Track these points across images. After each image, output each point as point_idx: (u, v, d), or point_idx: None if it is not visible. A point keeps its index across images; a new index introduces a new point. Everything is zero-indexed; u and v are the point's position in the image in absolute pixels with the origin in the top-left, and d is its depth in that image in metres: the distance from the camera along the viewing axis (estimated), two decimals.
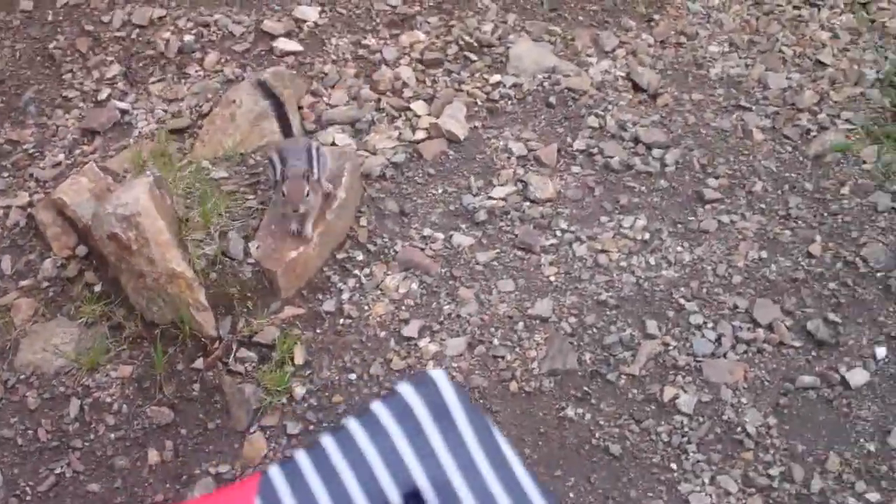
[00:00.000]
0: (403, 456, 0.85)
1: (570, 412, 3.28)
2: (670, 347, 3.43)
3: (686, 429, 3.25)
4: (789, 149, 4.09)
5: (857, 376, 3.35)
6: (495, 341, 3.44)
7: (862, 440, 3.22)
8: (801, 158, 4.05)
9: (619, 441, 3.23)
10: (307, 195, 3.31)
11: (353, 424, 0.88)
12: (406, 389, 0.89)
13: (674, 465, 3.18)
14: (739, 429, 3.24)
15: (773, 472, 3.15)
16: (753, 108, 4.25)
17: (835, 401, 3.30)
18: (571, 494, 3.13)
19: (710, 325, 3.49)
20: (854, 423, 3.26)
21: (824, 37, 4.59)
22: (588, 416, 3.28)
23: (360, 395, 3.32)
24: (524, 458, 3.15)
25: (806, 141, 4.11)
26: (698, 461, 3.18)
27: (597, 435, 3.24)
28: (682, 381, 3.35)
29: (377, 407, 0.89)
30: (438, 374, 0.90)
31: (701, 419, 3.27)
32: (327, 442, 0.87)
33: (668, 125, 4.15)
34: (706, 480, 3.13)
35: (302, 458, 0.87)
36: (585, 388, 3.34)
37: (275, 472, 0.86)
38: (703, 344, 3.43)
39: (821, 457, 3.19)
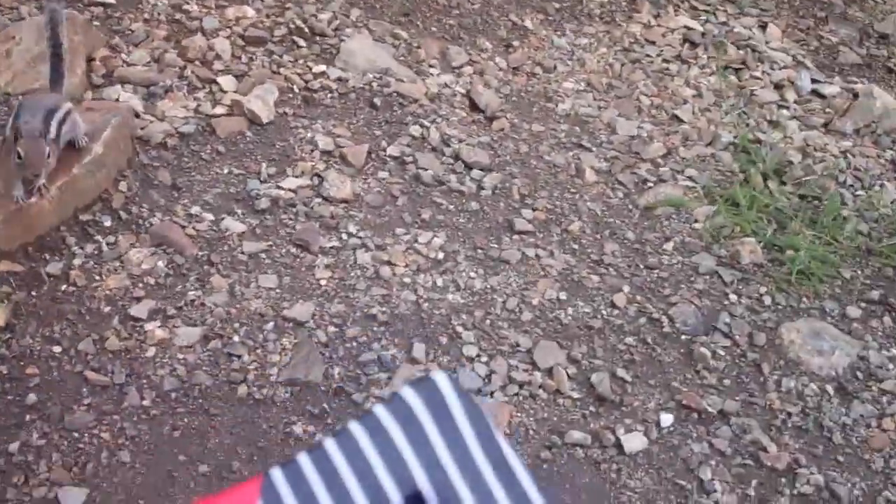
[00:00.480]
0: (405, 457, 0.85)
1: (298, 429, 2.82)
2: None
3: None
4: (620, 195, 3.74)
5: (635, 441, 2.95)
6: (235, 338, 2.98)
7: None
8: (629, 207, 3.70)
9: None
10: (48, 157, 2.87)
11: (354, 426, 0.88)
12: (408, 392, 0.89)
13: None
14: None
15: None
16: (594, 149, 3.91)
17: (604, 464, 2.89)
18: None
19: (484, 359, 3.07)
20: (620, 491, 2.84)
21: (687, 94, 4.30)
22: (320, 435, 2.82)
23: (59, 371, 2.82)
24: (232, 472, 2.67)
25: (640, 190, 3.77)
26: None
27: None
28: None
29: (379, 409, 0.89)
30: (440, 377, 0.89)
31: None
32: (329, 444, 0.87)
33: (497, 149, 3.78)
34: None
35: (304, 459, 0.87)
36: (325, 406, 2.88)
37: (277, 474, 0.86)
38: (470, 378, 3.00)
39: None
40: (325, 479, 0.86)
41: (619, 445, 2.93)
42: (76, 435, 2.71)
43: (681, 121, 4.16)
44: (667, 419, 3.02)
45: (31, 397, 2.75)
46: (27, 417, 2.73)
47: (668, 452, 2.95)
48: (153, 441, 2.74)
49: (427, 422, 0.88)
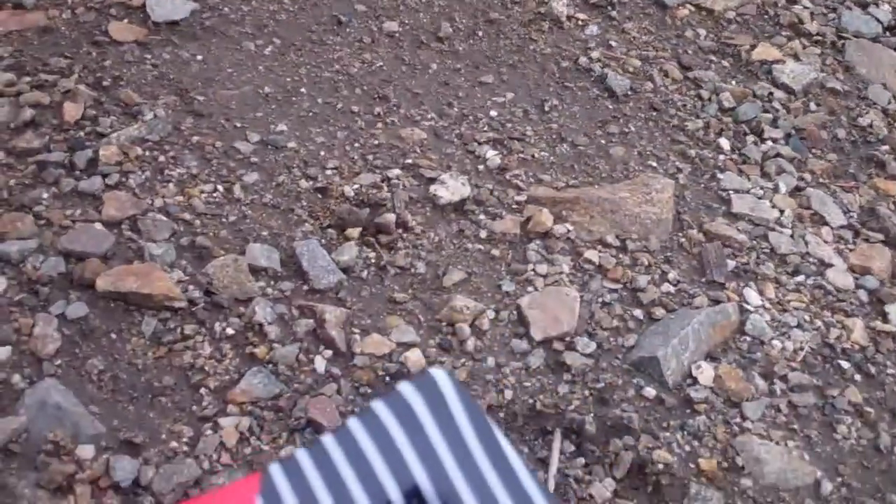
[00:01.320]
0: (404, 454, 0.82)
1: (560, 9, 1.64)
2: (798, 5, 1.77)
3: (776, 104, 1.58)
4: None
5: None
6: None
7: None
8: None
9: (633, 78, 1.57)
10: None
11: (353, 423, 0.83)
12: (407, 389, 0.85)
13: (725, 144, 1.49)
14: (886, 148, 1.53)
15: None
16: None
17: None
18: (494, 112, 1.47)
19: (886, 8, 1.81)
20: None
21: None
22: (593, 28, 1.64)
23: None
24: (447, 27, 1.54)
25: None
26: (778, 155, 1.49)
27: (594, 56, 1.59)
28: (799, 48, 1.68)
29: (378, 406, 0.85)
30: (440, 374, 0.85)
31: (813, 106, 1.59)
32: (328, 440, 0.82)
33: None
34: (779, 186, 1.44)
35: (303, 456, 0.83)
36: None
37: (276, 470, 0.82)
38: (859, 21, 1.77)
39: None
40: (324, 476, 0.81)
41: None
42: None
43: None
44: None
45: None
46: None
47: None
48: None
49: (426, 419, 0.83)
